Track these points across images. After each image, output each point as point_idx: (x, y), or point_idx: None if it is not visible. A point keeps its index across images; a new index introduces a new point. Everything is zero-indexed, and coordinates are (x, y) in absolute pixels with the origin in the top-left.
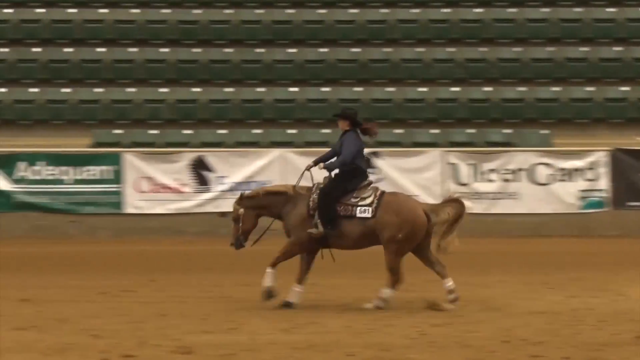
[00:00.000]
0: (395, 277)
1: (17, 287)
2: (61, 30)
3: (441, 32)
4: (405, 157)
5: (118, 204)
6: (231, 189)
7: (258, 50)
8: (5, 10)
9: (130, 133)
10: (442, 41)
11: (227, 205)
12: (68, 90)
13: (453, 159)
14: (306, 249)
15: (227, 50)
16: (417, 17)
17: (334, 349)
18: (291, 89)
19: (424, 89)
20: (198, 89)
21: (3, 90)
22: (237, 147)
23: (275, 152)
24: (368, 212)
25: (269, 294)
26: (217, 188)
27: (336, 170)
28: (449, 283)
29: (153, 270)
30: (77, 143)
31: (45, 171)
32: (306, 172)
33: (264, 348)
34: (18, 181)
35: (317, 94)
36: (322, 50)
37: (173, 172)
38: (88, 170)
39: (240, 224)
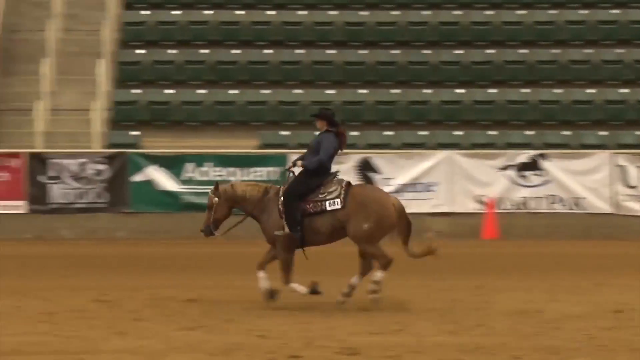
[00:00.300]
0: (383, 260)
1: (184, 287)
2: (229, 32)
3: (611, 33)
4: (573, 160)
5: None
6: (397, 191)
7: (425, 51)
8: (174, 12)
9: (296, 134)
10: (611, 42)
11: None
12: (235, 91)
13: (622, 161)
14: (294, 248)
15: (394, 52)
16: (585, 19)
17: (501, 352)
18: (458, 91)
19: (592, 91)
20: (365, 91)
21: (171, 91)
22: (403, 149)
23: (442, 154)
24: (337, 204)
25: (271, 295)
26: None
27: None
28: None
29: (320, 271)
30: (244, 144)
31: (213, 172)
32: (290, 173)
33: (429, 350)
34: (185, 182)
35: (484, 95)
36: (489, 51)
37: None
38: (255, 172)
39: (213, 213)
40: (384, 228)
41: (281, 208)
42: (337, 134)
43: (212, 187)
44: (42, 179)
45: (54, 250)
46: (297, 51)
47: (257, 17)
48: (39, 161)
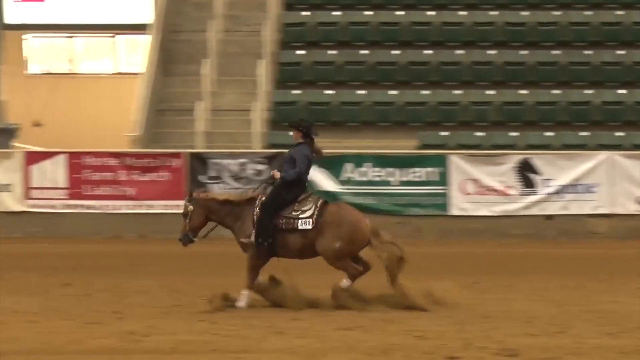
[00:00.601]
0: (352, 271)
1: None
2: (388, 32)
3: None
4: None
5: (443, 206)
6: (557, 192)
7: (586, 52)
8: (334, 13)
9: (456, 135)
10: None
11: (554, 208)
12: (395, 92)
13: None
14: (265, 258)
15: (555, 52)
16: None
17: None
18: (620, 91)
19: None
20: (525, 91)
21: (331, 92)
22: (564, 150)
23: (603, 155)
24: (309, 224)
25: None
26: (543, 191)
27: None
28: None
29: (477, 272)
30: (403, 145)
31: (372, 172)
32: (266, 184)
33: (589, 352)
34: (344, 182)
35: None
36: None
37: (498, 174)
38: (414, 172)
39: (188, 221)
40: (355, 246)
41: (254, 219)
42: (309, 144)
43: (371, 187)
44: (202, 178)
45: (216, 249)
46: (457, 52)
47: (417, 17)
48: (199, 161)
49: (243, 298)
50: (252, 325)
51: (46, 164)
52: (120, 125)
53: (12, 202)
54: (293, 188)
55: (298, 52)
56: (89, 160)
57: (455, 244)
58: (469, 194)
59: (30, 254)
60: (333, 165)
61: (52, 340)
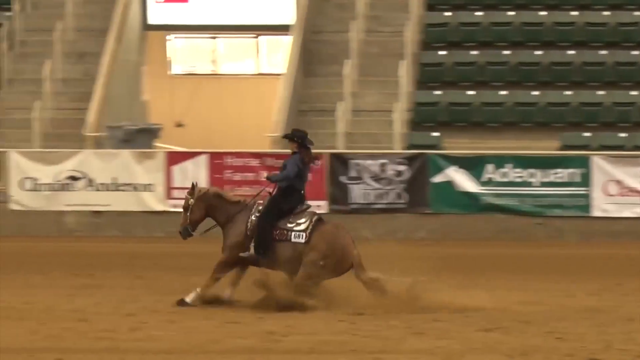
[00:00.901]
0: (300, 295)
1: (481, 287)
2: (531, 33)
3: None
4: None
5: (586, 207)
6: None
7: None
8: (476, 14)
9: (598, 136)
10: None
11: None
12: (537, 93)
13: None
14: (233, 268)
15: None
16: None
17: None
18: None
19: None
20: None
21: (472, 92)
22: None
23: None
24: (302, 237)
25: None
26: None
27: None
28: None
29: (620, 275)
30: (545, 146)
31: (513, 173)
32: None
33: None
34: (485, 183)
35: None
36: None
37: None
38: (556, 173)
39: (189, 214)
40: (334, 272)
41: (249, 226)
42: (302, 154)
43: (512, 188)
44: (342, 179)
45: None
46: (600, 52)
47: (560, 17)
48: (340, 162)
49: (194, 296)
50: (391, 325)
51: (187, 164)
52: (262, 125)
53: (154, 202)
54: (288, 198)
55: (439, 52)
56: (230, 161)
57: (597, 246)
58: (611, 195)
59: (171, 254)
60: (474, 166)
61: (192, 340)
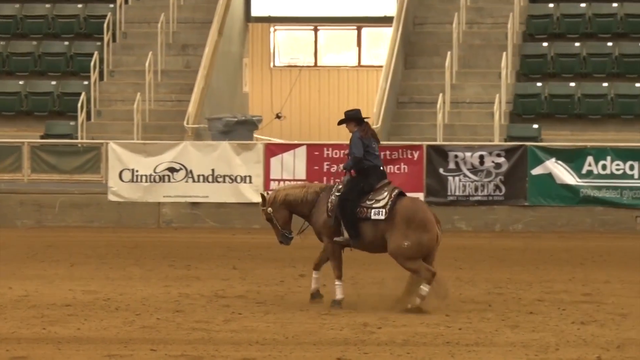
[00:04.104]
0: (424, 274)
1: (579, 281)
2: (635, 24)
3: None
4: None
5: None
6: None
7: None
8: (580, 5)
9: None
10: None
11: None
12: (639, 85)
13: None
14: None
15: None
16: None
17: None
18: None
19: None
20: None
21: (574, 84)
22: None
23: None
24: (381, 214)
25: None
26: None
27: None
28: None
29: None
30: None
31: (613, 166)
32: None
33: None
34: (585, 175)
35: None
36: None
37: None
38: None
39: (276, 222)
40: (422, 249)
41: (329, 206)
42: (362, 130)
43: (612, 180)
44: (441, 171)
45: (450, 241)
46: None
47: None
48: (438, 153)
49: (339, 289)
50: (486, 318)
51: (286, 155)
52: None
53: (252, 194)
54: (369, 177)
55: (542, 44)
56: (329, 152)
57: None
58: None
59: (268, 245)
60: (574, 158)
61: (286, 331)
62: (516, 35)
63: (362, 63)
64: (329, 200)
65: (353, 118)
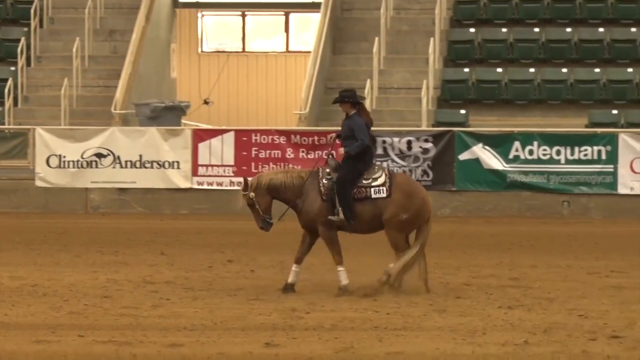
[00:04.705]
0: (400, 252)
1: (506, 266)
2: (561, 10)
3: None
4: None
5: (612, 185)
6: None
7: None
8: None
9: (626, 113)
10: None
11: None
12: (565, 70)
13: None
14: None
15: None
16: None
17: None
18: None
19: None
20: None
21: (501, 70)
22: None
23: None
24: (383, 192)
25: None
26: None
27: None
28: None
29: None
30: (573, 123)
31: (540, 151)
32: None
33: None
34: (512, 160)
35: None
36: None
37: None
38: (582, 151)
39: (258, 207)
40: (417, 222)
41: (322, 190)
42: (360, 112)
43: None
44: None
45: None
46: (631, 29)
47: None
48: None
49: (343, 274)
50: (414, 302)
51: (214, 141)
52: (290, 103)
53: (180, 179)
54: (364, 158)
55: (469, 30)
56: (257, 138)
57: (622, 223)
58: (638, 172)
59: (196, 231)
60: (501, 143)
61: (214, 317)
62: (443, 21)
63: (290, 49)
64: (321, 184)
65: (351, 100)
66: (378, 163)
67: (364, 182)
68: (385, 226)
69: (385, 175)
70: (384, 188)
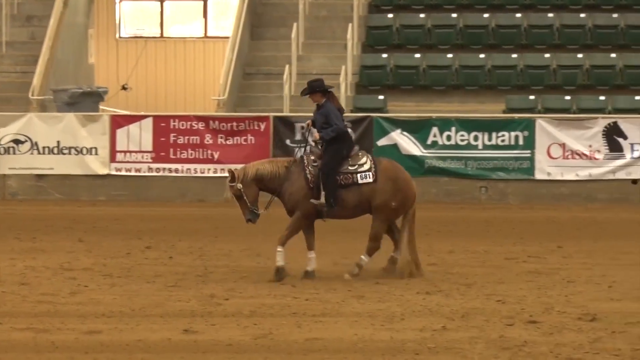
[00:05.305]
0: (376, 245)
1: (424, 251)
2: None
3: None
4: None
5: (529, 170)
6: None
7: None
8: None
9: (543, 98)
10: None
11: None
12: (483, 55)
13: None
14: (310, 221)
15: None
16: None
17: None
18: None
19: None
20: (614, 55)
21: (419, 55)
22: None
23: None
24: (369, 177)
25: (280, 273)
26: (630, 155)
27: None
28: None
29: (561, 237)
30: (490, 109)
31: (458, 136)
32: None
33: None
34: (430, 146)
35: None
36: None
37: (585, 138)
38: (500, 136)
39: (246, 198)
40: (404, 208)
41: (309, 177)
42: (331, 100)
43: (456, 151)
44: (288, 142)
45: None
46: (548, 15)
47: None
48: (285, 125)
49: (280, 255)
50: (333, 288)
51: (132, 127)
52: (208, 89)
53: (98, 165)
54: (345, 142)
55: (387, 15)
56: (175, 124)
57: (540, 209)
58: (554, 158)
59: (113, 217)
60: (419, 129)
61: (133, 303)
62: (362, 7)
63: (209, 34)
64: (307, 171)
65: (321, 89)
66: (362, 150)
67: (349, 168)
68: (374, 213)
69: (370, 160)
70: (370, 173)
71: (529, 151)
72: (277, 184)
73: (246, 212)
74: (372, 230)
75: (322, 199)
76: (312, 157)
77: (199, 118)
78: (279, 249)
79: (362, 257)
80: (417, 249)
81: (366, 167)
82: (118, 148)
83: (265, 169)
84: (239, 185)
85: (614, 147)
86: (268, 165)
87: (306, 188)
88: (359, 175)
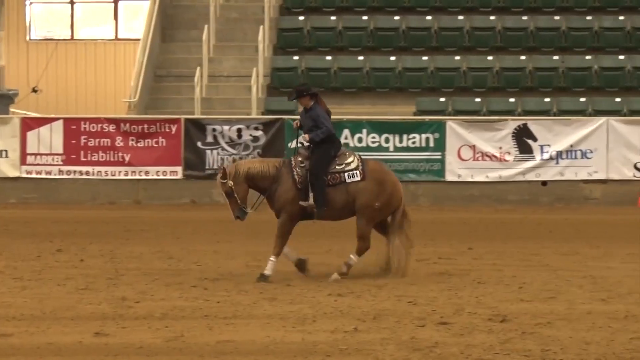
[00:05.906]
0: (365, 245)
1: (335, 253)
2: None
3: None
4: None
5: (439, 172)
6: (553, 158)
7: (586, 17)
8: None
9: (454, 101)
10: None
11: (550, 173)
12: (394, 58)
13: None
14: (297, 220)
15: (554, 18)
16: None
17: None
18: (618, 57)
19: None
20: (523, 57)
21: (330, 58)
22: (562, 116)
23: (599, 121)
24: (357, 175)
25: (264, 279)
26: (539, 156)
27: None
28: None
29: (472, 238)
30: (401, 111)
31: (369, 138)
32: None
33: (580, 317)
34: None
35: None
36: None
37: (495, 140)
38: (411, 138)
39: (236, 196)
40: (389, 209)
41: (297, 179)
42: (319, 103)
43: (367, 153)
44: (199, 144)
45: (208, 215)
46: (458, 17)
47: None
48: (196, 127)
49: (271, 265)
50: (244, 290)
51: (43, 129)
52: (119, 91)
53: (8, 168)
54: (332, 144)
55: (298, 17)
56: (86, 126)
57: (450, 210)
58: (465, 160)
59: (24, 220)
60: None
61: (44, 307)
62: (273, 9)
63: (119, 36)
64: (295, 172)
65: (308, 93)
66: (348, 150)
67: (337, 167)
68: (357, 212)
69: (357, 159)
70: (357, 171)
71: (439, 153)
72: (267, 183)
73: (235, 210)
74: (359, 230)
75: (311, 200)
76: (300, 159)
77: (110, 120)
78: (272, 258)
79: (352, 256)
80: (410, 255)
81: (353, 165)
82: (28, 151)
83: (256, 168)
84: (230, 183)
85: (524, 149)
86: (258, 164)
87: (294, 189)
88: (346, 174)
